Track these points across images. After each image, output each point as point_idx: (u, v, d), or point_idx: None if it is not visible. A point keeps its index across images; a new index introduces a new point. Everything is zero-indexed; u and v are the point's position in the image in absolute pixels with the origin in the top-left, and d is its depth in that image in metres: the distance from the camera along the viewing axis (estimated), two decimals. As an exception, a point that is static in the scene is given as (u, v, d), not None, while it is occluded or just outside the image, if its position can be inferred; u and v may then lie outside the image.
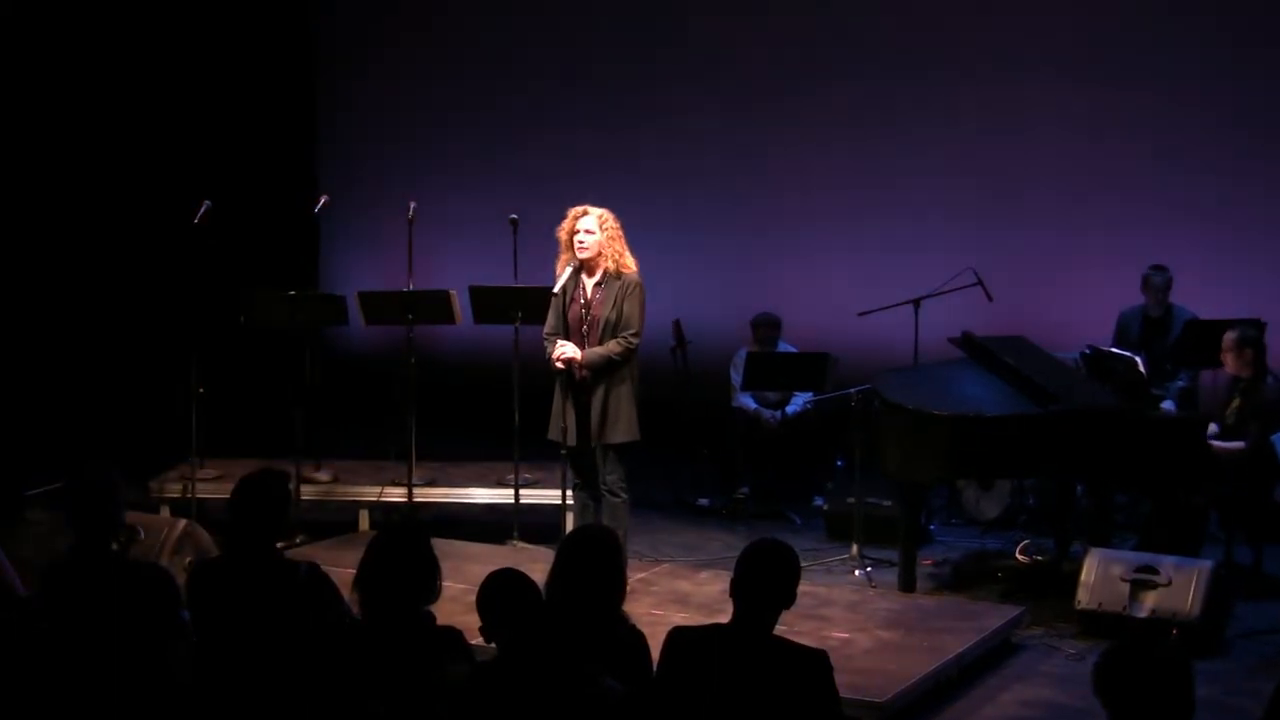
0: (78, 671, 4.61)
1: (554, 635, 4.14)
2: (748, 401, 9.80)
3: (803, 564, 4.56)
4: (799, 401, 9.77)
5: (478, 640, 4.39)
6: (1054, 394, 7.61)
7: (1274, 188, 10.23)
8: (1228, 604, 7.22)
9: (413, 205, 9.00)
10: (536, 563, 6.16)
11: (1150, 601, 7.03)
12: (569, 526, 7.95)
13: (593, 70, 11.88)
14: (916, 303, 9.07)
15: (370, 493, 8.99)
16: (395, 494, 8.83)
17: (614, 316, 7.30)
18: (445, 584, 4.70)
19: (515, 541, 8.44)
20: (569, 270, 7.38)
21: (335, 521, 8.80)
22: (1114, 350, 8.76)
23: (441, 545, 4.86)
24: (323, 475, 9.19)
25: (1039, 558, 8.33)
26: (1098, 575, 7.17)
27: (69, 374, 10.51)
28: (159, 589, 4.84)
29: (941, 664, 6.49)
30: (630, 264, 7.37)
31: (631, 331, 7.30)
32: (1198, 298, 9.44)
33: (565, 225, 7.41)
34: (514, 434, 8.51)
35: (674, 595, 7.38)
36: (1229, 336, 8.02)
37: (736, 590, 4.39)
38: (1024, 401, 7.68)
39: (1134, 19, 10.50)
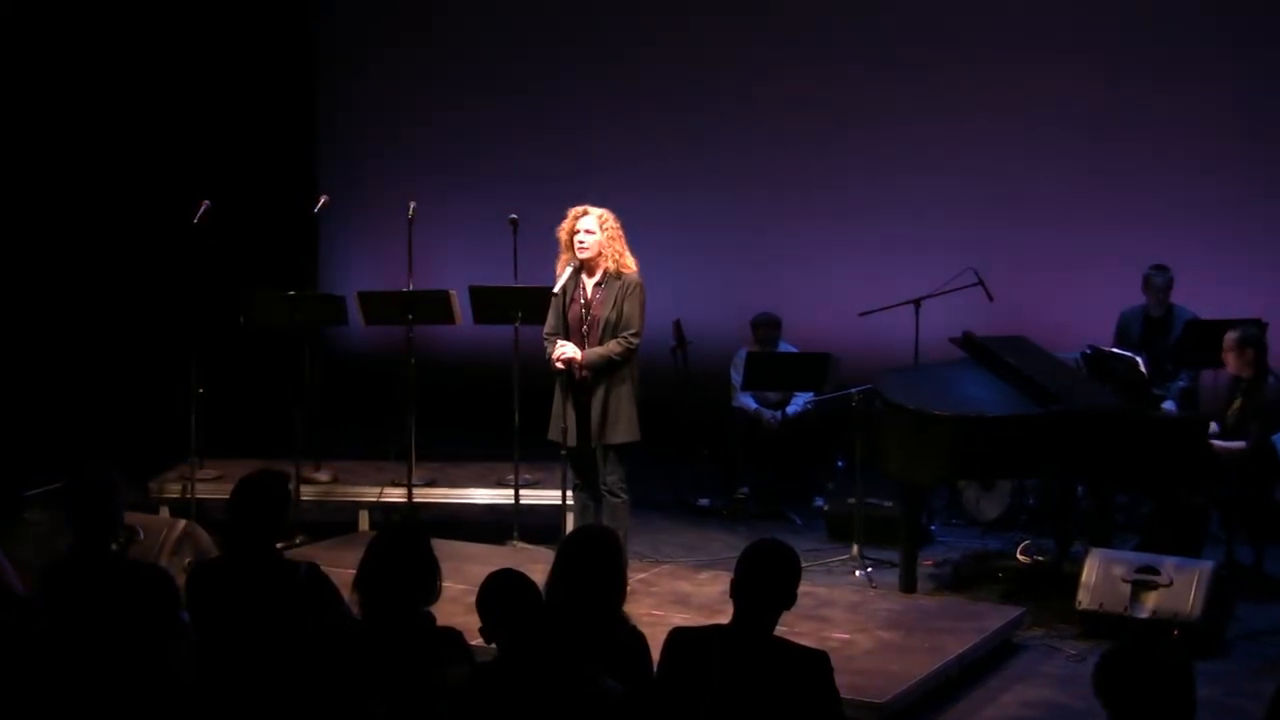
0: (77, 672, 4.60)
1: (554, 636, 4.13)
2: (748, 402, 9.79)
3: (803, 564, 4.56)
4: (799, 402, 9.76)
5: (478, 641, 4.38)
6: (1055, 394, 7.60)
7: (1275, 187, 10.22)
8: (1229, 605, 7.21)
9: (413, 205, 8.99)
10: (536, 563, 6.15)
11: (1151, 602, 7.02)
12: (569, 527, 7.94)
13: (593, 70, 11.88)
14: (917, 303, 9.06)
15: (370, 493, 8.98)
16: (395, 494, 8.83)
17: (614, 316, 7.29)
18: (445, 584, 4.69)
19: (515, 542, 8.43)
20: (569, 270, 7.37)
21: (335, 522, 8.79)
22: (1115, 350, 8.75)
23: (441, 546, 4.85)
24: (322, 476, 9.18)
25: (1040, 558, 8.33)
26: (1099, 576, 7.16)
27: (68, 374, 10.50)
28: (158, 589, 4.83)
29: (942, 665, 6.48)
30: (630, 264, 7.36)
31: (632, 331, 7.29)
32: (1199, 298, 9.44)
33: (565, 225, 7.40)
34: (514, 434, 8.50)
35: (674, 596, 7.37)
36: (1230, 336, 8.01)
37: (737, 591, 4.38)
38: (1025, 402, 7.67)
39: (1136, 19, 10.49)
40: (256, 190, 11.48)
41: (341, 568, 5.15)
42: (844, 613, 7.09)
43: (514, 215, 8.60)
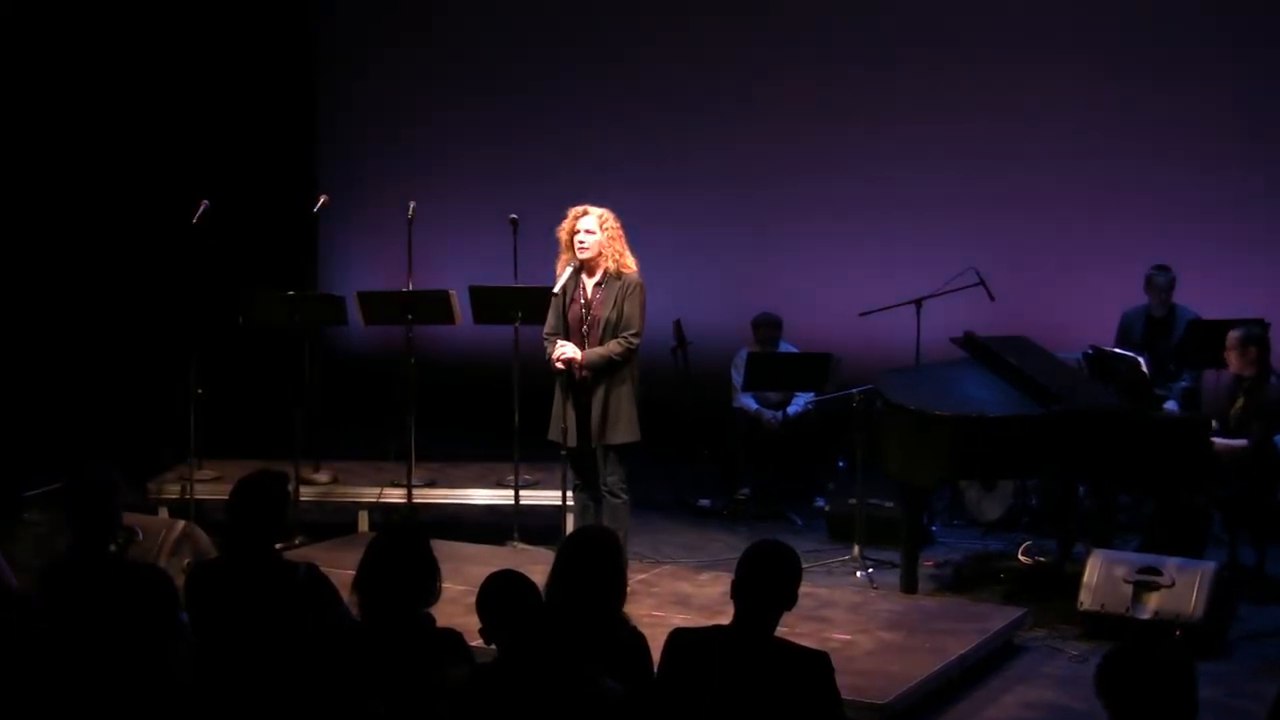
0: (76, 673, 4.58)
1: (554, 637, 4.12)
2: (749, 402, 9.77)
3: (804, 565, 4.55)
4: (800, 402, 9.74)
5: (477, 642, 4.37)
6: (1056, 394, 7.58)
7: (1276, 187, 10.22)
8: (1231, 606, 7.20)
9: (412, 205, 8.98)
10: (536, 564, 6.13)
11: (1153, 603, 7.01)
12: (569, 528, 7.93)
13: (593, 70, 11.87)
14: (918, 303, 9.05)
15: (369, 494, 8.97)
16: (395, 495, 8.81)
17: (614, 316, 7.28)
18: (445, 585, 4.68)
19: (515, 543, 8.42)
20: (569, 270, 7.36)
21: (334, 523, 8.79)
22: (1117, 350, 8.74)
23: (441, 546, 4.85)
24: (322, 476, 9.17)
25: (1041, 559, 8.32)
26: (1100, 576, 7.15)
27: (67, 374, 10.48)
28: (157, 590, 4.81)
29: (944, 665, 6.47)
30: (631, 264, 7.34)
31: (632, 332, 7.28)
32: (1201, 298, 9.43)
33: (565, 225, 7.39)
34: (514, 434, 8.49)
35: (675, 596, 7.36)
36: (1233, 335, 8.00)
37: (737, 591, 4.37)
38: (1026, 402, 7.65)
39: (1136, 19, 10.48)
40: (256, 190, 11.47)
41: (341, 569, 5.14)
42: (845, 613, 7.07)
43: (514, 215, 8.58)
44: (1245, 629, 7.26)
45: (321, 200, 9.22)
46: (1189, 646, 6.69)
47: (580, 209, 7.36)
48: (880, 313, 9.16)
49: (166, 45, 11.35)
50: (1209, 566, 7.08)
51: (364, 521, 8.84)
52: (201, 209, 8.58)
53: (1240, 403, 7.98)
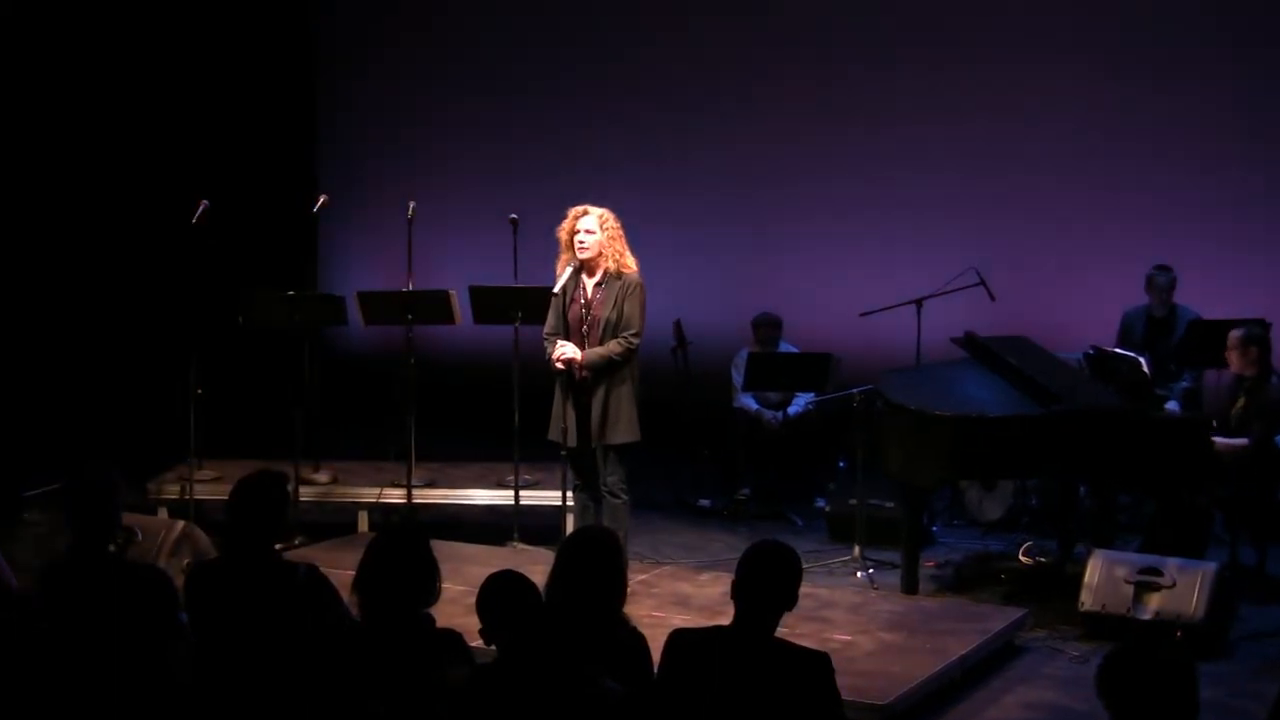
0: (75, 673, 4.58)
1: (554, 637, 4.11)
2: (749, 402, 9.77)
3: (804, 566, 4.54)
4: (800, 402, 9.74)
5: (477, 642, 4.37)
6: (1057, 394, 7.58)
7: (1277, 187, 10.21)
8: (1232, 606, 7.19)
9: (412, 205, 8.97)
10: (536, 564, 6.13)
11: (1154, 603, 7.00)
12: (569, 528, 7.92)
13: (593, 70, 11.86)
14: (919, 303, 9.04)
15: (369, 494, 8.96)
16: (394, 495, 8.80)
17: (614, 316, 7.27)
18: (445, 586, 4.68)
19: (515, 543, 8.41)
20: (569, 270, 7.35)
21: (334, 523, 8.78)
22: (1118, 350, 8.74)
23: (441, 547, 4.84)
24: (321, 476, 9.16)
25: (1042, 559, 8.31)
26: (1101, 577, 7.14)
27: (67, 375, 10.48)
28: (156, 591, 4.80)
29: (944, 666, 6.46)
30: (631, 264, 7.34)
31: (632, 332, 7.27)
32: (1202, 298, 9.42)
33: (565, 225, 7.38)
34: (514, 435, 8.48)
35: (675, 597, 7.35)
36: (1234, 335, 8.00)
37: (738, 592, 4.37)
38: (1027, 402, 7.65)
39: (1136, 19, 10.48)
40: (256, 190, 11.46)
41: (341, 569, 5.13)
42: (845, 614, 7.07)
43: (514, 215, 8.57)
44: (1246, 629, 7.25)
45: (321, 200, 9.21)
46: (1190, 647, 6.69)
47: (580, 209, 7.36)
48: (881, 313, 9.15)
49: (166, 45, 11.34)
50: (1210, 567, 7.07)
51: (364, 522, 8.83)
52: (201, 209, 8.58)
53: (1241, 403, 7.98)
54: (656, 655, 4.51)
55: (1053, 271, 10.55)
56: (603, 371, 7.29)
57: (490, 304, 8.62)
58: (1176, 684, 3.61)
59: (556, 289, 7.38)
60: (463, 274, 9.33)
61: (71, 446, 8.65)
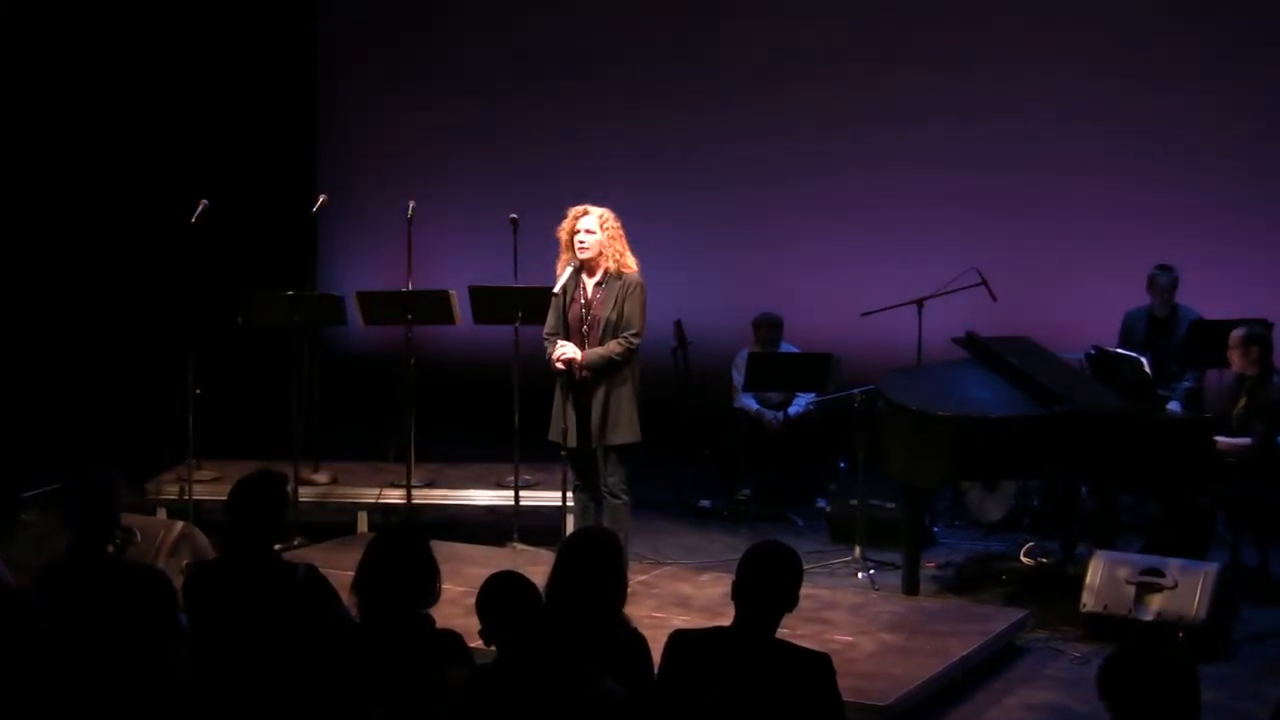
0: (74, 674, 4.57)
1: (554, 638, 4.10)
2: (749, 402, 9.75)
3: (805, 566, 4.53)
4: (801, 402, 9.72)
5: (477, 643, 4.36)
6: (1058, 395, 7.56)
7: (1278, 187, 10.19)
8: (1234, 607, 7.17)
9: (412, 205, 8.96)
10: (536, 565, 6.12)
11: (1156, 604, 6.98)
12: (569, 529, 7.90)
13: (593, 70, 11.85)
14: (920, 303, 9.03)
15: (369, 494, 8.95)
16: (394, 496, 8.79)
17: (615, 317, 7.25)
18: (444, 586, 4.67)
19: (515, 544, 8.40)
20: (569, 270, 7.34)
21: (333, 523, 8.76)
22: (1119, 351, 8.73)
23: (441, 547, 4.84)
24: (321, 477, 9.15)
25: (1043, 560, 8.30)
26: (1103, 578, 7.13)
27: (65, 375, 10.46)
28: (155, 592, 4.80)
29: (945, 667, 6.45)
30: (631, 264, 7.32)
31: (632, 332, 7.25)
32: (1203, 298, 9.41)
33: (565, 225, 7.36)
34: (514, 435, 8.46)
35: (675, 598, 7.34)
36: (1235, 334, 8.00)
37: (738, 593, 4.36)
38: (1028, 402, 7.63)
39: (1136, 18, 10.47)
40: (255, 190, 11.45)
41: (340, 569, 5.12)
42: (846, 615, 7.05)
43: (514, 215, 8.56)
44: (1248, 630, 7.23)
45: (321, 200, 9.20)
46: (1192, 648, 6.67)
47: (580, 209, 7.34)
48: (881, 313, 9.14)
49: (167, 45, 11.33)
50: (1212, 568, 7.05)
51: (363, 522, 8.82)
52: (201, 209, 8.56)
53: (1243, 402, 7.97)
54: (657, 656, 4.50)
55: (1053, 271, 10.54)
56: (603, 372, 7.28)
57: (490, 304, 8.61)
58: (1178, 685, 3.60)
59: (556, 289, 7.37)
60: (463, 274, 9.32)
61: (70, 447, 8.64)
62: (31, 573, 5.21)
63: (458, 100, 12.24)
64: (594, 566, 4.54)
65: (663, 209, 11.06)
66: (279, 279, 9.48)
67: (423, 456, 8.94)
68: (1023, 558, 8.35)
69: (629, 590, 4.83)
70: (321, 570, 5.05)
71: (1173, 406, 8.64)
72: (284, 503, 5.16)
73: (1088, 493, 8.34)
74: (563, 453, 7.59)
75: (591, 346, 7.29)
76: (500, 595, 4.26)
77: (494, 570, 4.42)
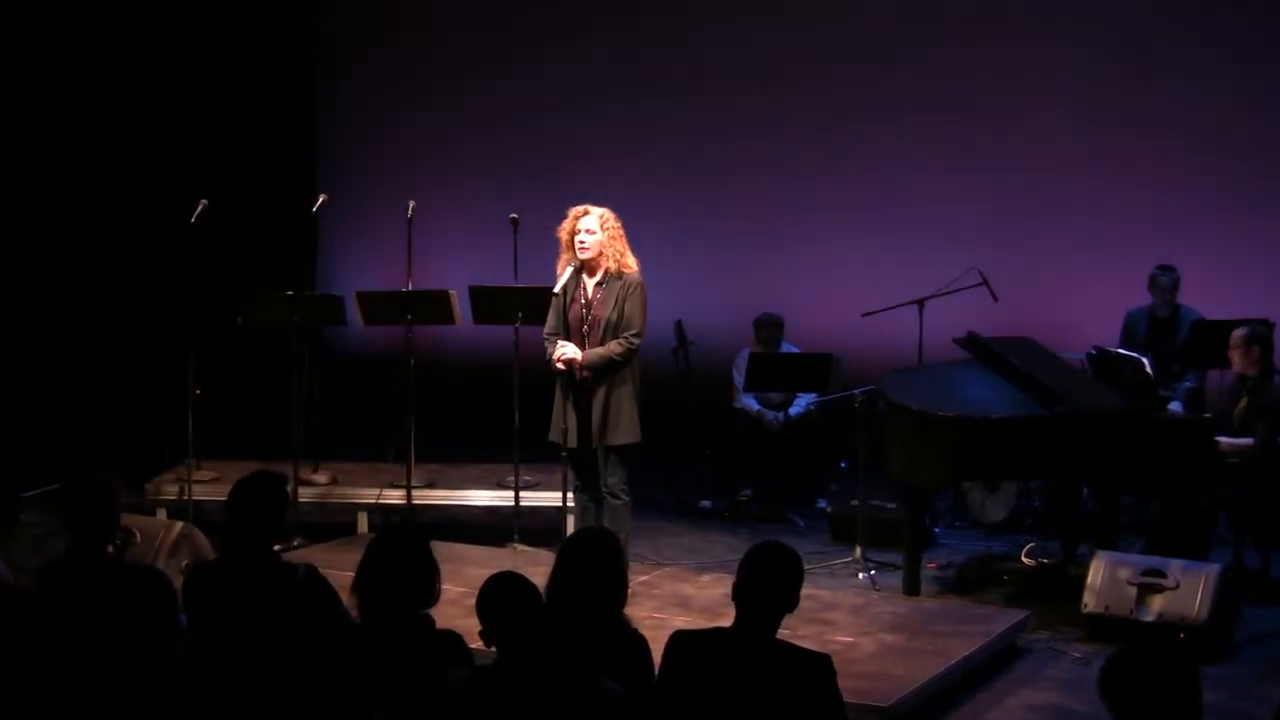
0: (73, 674, 4.56)
1: (554, 639, 4.09)
2: (750, 403, 9.74)
3: (806, 567, 4.52)
4: (802, 403, 9.71)
5: (477, 644, 4.35)
6: (1060, 395, 7.55)
7: (1278, 187, 10.19)
8: (1236, 608, 7.16)
9: (412, 205, 8.95)
10: (537, 566, 6.10)
11: (1157, 605, 6.97)
12: (570, 529, 7.90)
13: (593, 70, 11.85)
14: (921, 303, 9.03)
15: (369, 495, 8.94)
16: (394, 496, 8.78)
17: (615, 317, 7.25)
18: (445, 587, 4.66)
19: (515, 544, 8.39)
20: (570, 270, 7.33)
21: (333, 524, 8.75)
22: (1121, 351, 8.73)
23: (441, 548, 4.83)
24: (321, 477, 9.14)
25: (1045, 560, 8.29)
26: (1104, 578, 7.12)
27: (65, 375, 10.46)
28: (155, 592, 4.77)
29: (946, 668, 6.44)
30: (632, 264, 7.31)
31: (633, 332, 7.24)
32: (1205, 298, 9.41)
33: (566, 225, 7.36)
34: (514, 435, 8.46)
35: (676, 598, 7.33)
36: (1237, 334, 7.99)
37: (739, 593, 4.35)
38: (1029, 403, 7.62)
39: (1137, 18, 10.47)
40: (255, 190, 11.44)
41: (340, 570, 5.11)
42: (847, 616, 7.04)
43: (514, 215, 8.55)
44: (1250, 631, 7.22)
45: (321, 200, 9.19)
46: (1193, 649, 6.66)
47: (581, 209, 7.34)
48: (883, 313, 9.13)
49: (167, 45, 11.33)
50: (1213, 568, 7.04)
51: (363, 523, 8.81)
52: (200, 208, 8.56)
53: (1244, 402, 7.97)
54: (657, 657, 4.49)
55: (1054, 271, 10.53)
56: (603, 372, 7.27)
57: (490, 304, 8.60)
58: (1179, 686, 3.60)
59: (557, 289, 7.36)
60: (463, 274, 9.31)
61: (70, 447, 8.63)
62: (31, 573, 5.20)
63: (458, 100, 12.24)
64: (594, 567, 4.53)
65: (663, 209, 11.06)
66: (279, 279, 9.47)
67: (423, 457, 8.93)
68: (1024, 558, 8.35)
69: (629, 591, 4.81)
70: (321, 570, 5.04)
71: (1174, 407, 8.63)
72: (284, 503, 5.15)
73: (1089, 493, 8.33)
74: (563, 453, 7.58)
75: (592, 346, 7.28)
76: (500, 596, 4.26)
77: (494, 571, 4.41)
